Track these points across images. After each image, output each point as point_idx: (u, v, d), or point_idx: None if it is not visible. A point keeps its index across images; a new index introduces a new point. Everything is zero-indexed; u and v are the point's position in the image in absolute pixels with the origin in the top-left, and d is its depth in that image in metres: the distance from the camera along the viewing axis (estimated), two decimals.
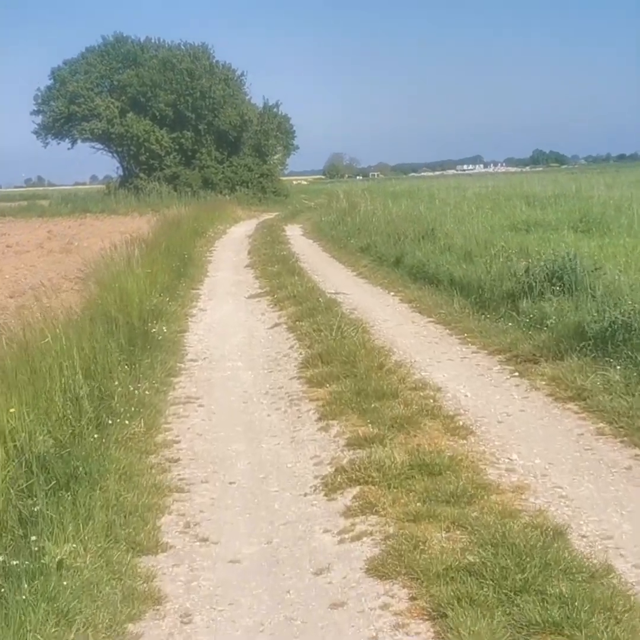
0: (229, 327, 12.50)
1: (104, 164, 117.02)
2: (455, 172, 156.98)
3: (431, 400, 7.66)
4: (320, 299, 12.97)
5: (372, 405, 7.38)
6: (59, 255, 25.41)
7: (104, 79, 58.05)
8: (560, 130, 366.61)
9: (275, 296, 14.11)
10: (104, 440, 6.50)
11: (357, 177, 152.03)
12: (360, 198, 33.02)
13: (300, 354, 10.02)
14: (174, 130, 55.35)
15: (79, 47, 65.62)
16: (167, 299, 13.88)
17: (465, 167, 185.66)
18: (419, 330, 11.36)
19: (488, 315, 11.29)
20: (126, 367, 8.78)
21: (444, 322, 11.64)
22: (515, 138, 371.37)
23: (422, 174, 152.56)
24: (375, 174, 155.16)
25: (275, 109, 58.86)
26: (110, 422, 7.01)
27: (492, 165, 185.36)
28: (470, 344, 10.23)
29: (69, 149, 60.11)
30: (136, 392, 8.04)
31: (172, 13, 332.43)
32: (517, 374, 8.66)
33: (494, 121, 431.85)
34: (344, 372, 8.57)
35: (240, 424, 7.69)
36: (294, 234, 29.55)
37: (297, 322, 11.75)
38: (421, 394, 7.91)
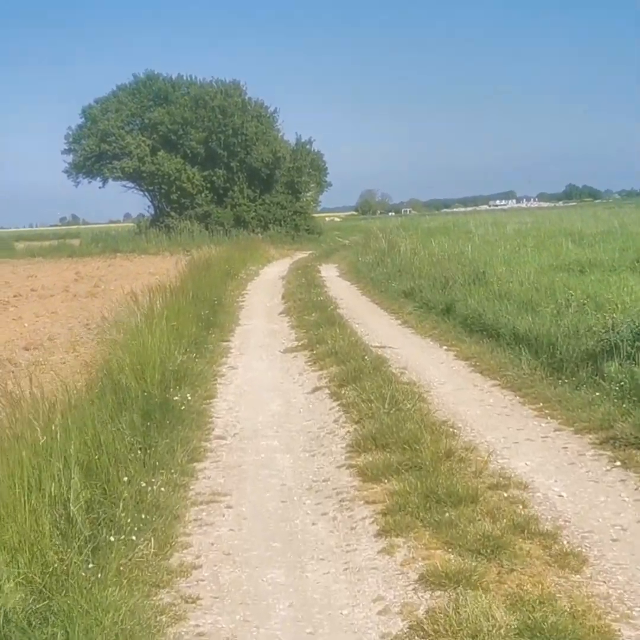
0: (262, 390, 10.96)
1: (137, 202, 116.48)
2: (487, 207, 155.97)
3: (520, 506, 6.02)
4: (365, 356, 11.39)
5: (447, 515, 5.76)
6: (84, 300, 24.16)
7: (135, 117, 57.40)
8: (592, 164, 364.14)
9: (314, 351, 12.54)
10: (99, 574, 4.92)
11: (390, 213, 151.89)
12: (399, 236, 31.58)
13: (348, 431, 8.42)
14: (206, 168, 54.42)
15: (111, 85, 65.04)
16: (194, 354, 12.39)
17: (497, 202, 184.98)
18: (483, 397, 9.72)
19: (565, 380, 9.61)
20: (139, 452, 7.25)
21: (512, 386, 9.99)
22: (547, 173, 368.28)
23: (454, 209, 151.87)
24: (408, 210, 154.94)
25: (308, 146, 57.84)
26: (112, 538, 5.45)
27: (524, 200, 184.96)
28: (549, 418, 8.56)
29: (100, 188, 59.44)
30: (149, 489, 6.49)
31: (201, 51, 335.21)
32: (618, 463, 6.99)
33: (526, 156, 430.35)
34: (405, 462, 6.95)
35: (278, 536, 6.04)
36: (330, 275, 28.08)
37: (341, 387, 10.17)
38: (505, 494, 6.28)
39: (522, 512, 5.88)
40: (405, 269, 21.54)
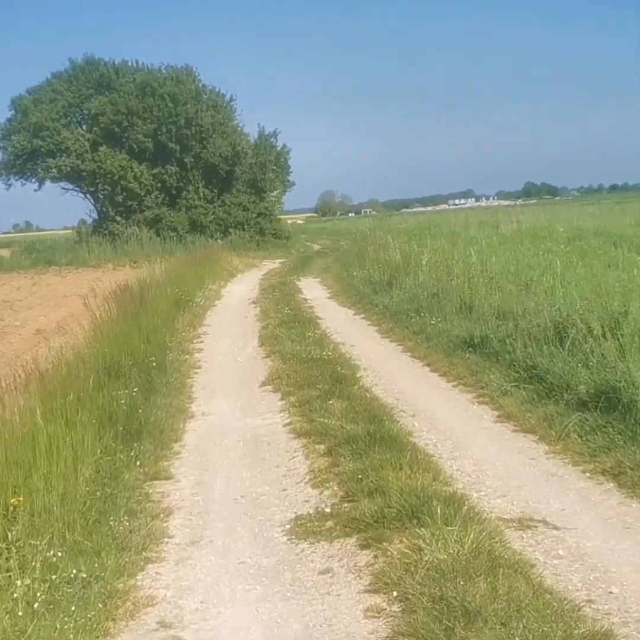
0: None
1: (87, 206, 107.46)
2: (446, 206, 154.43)
3: None
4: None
5: None
6: None
7: (73, 108, 49.77)
8: (550, 163, 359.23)
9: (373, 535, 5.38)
10: None
11: (350, 214, 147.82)
12: (396, 241, 24.43)
13: None
14: (155, 165, 46.81)
15: (45, 73, 57.29)
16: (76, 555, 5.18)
17: (457, 201, 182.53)
18: None
19: None
20: None
21: None
22: (505, 171, 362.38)
23: (414, 209, 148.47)
24: (368, 210, 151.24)
25: (272, 139, 50.35)
26: None
27: (483, 199, 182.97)
28: None
29: (36, 190, 51.71)
30: None
31: (147, 35, 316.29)
32: None
33: (484, 154, 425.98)
34: None
35: None
36: (317, 296, 20.93)
37: None
38: None
39: None
40: (444, 294, 14.44)
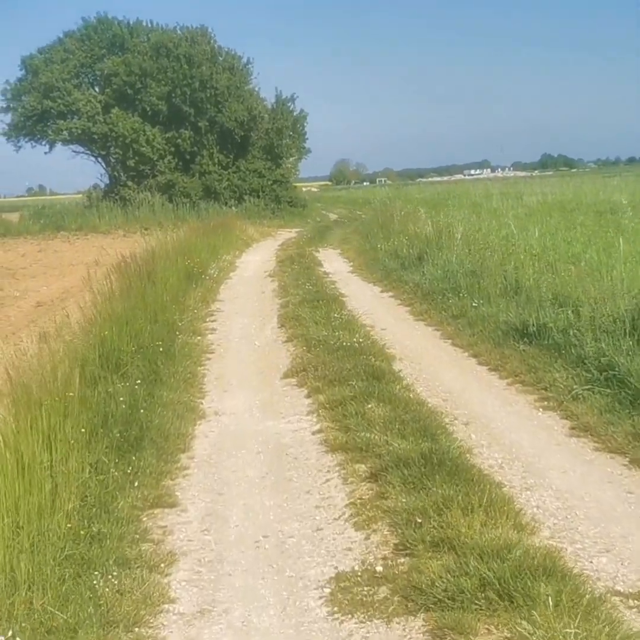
0: None
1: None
2: (462, 177, 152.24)
3: None
4: None
5: None
6: None
7: (85, 68, 48.03)
8: (567, 134, 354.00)
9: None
10: None
11: (364, 183, 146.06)
12: (419, 212, 22.88)
13: None
14: (169, 129, 45.06)
15: (56, 32, 55.47)
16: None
17: (472, 171, 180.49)
18: None
19: None
20: None
21: None
22: (521, 142, 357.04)
23: (430, 179, 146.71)
24: (383, 179, 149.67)
25: (289, 104, 48.47)
26: None
27: (499, 169, 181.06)
28: None
29: (46, 153, 50.18)
30: None
31: None
32: None
33: (501, 125, 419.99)
34: None
35: None
36: (339, 269, 19.48)
37: None
38: None
39: None
40: (484, 272, 12.97)
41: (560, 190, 39.95)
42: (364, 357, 9.14)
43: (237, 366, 10.15)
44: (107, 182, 49.68)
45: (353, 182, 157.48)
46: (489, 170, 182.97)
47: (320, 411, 7.62)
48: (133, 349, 9.16)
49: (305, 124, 49.38)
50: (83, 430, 6.04)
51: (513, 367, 8.81)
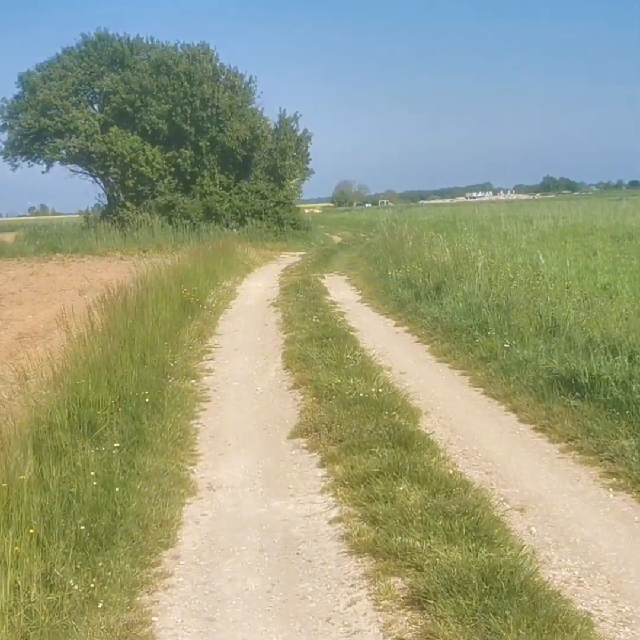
0: None
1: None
2: (464, 199, 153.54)
3: None
4: None
5: None
6: None
7: (83, 85, 46.85)
8: (568, 157, 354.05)
9: None
10: None
11: (366, 205, 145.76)
12: (432, 237, 21.56)
13: None
14: (169, 148, 43.83)
15: (55, 48, 54.45)
16: None
17: (474, 194, 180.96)
18: None
19: None
20: None
21: None
22: (523, 165, 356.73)
23: (432, 201, 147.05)
24: (385, 201, 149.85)
25: (293, 124, 47.26)
26: None
27: (501, 192, 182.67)
28: None
29: (43, 172, 48.99)
30: None
31: (163, 13, 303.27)
32: None
33: (503, 148, 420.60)
34: None
35: None
36: (346, 298, 18.11)
37: None
38: None
39: None
40: (513, 306, 11.58)
41: (569, 213, 38.93)
42: (386, 414, 7.70)
43: (236, 419, 8.71)
44: (105, 202, 48.47)
45: (355, 203, 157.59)
46: (491, 192, 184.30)
47: (337, 489, 6.17)
48: (113, 402, 7.73)
49: (308, 145, 48.23)
50: (32, 530, 4.61)
51: (565, 428, 7.37)
